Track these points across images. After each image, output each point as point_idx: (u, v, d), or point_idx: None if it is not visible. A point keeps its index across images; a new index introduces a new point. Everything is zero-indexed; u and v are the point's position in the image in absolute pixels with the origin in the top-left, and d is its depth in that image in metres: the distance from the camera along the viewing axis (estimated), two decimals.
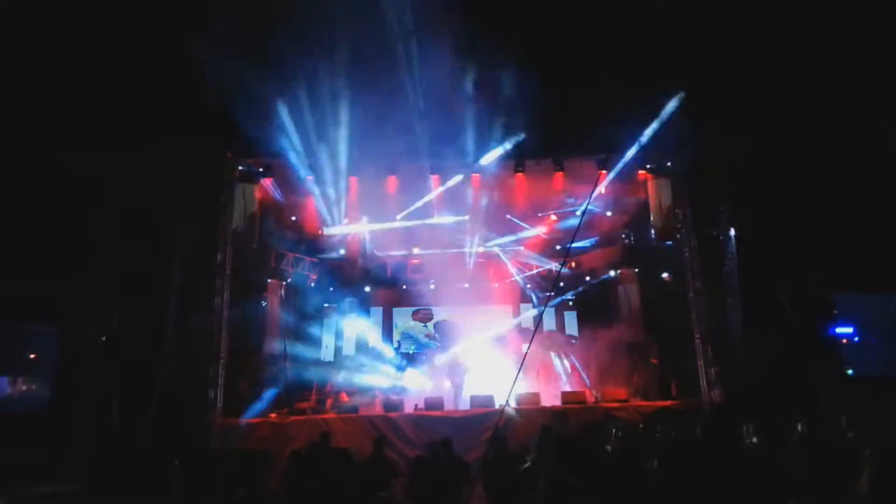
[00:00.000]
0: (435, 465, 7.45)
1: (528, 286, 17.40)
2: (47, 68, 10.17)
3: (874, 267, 11.26)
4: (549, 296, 16.48)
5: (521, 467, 6.17)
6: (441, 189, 13.83)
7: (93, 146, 10.76)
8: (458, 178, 13.33)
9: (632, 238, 15.32)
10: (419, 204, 14.34)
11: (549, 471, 4.77)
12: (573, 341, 16.55)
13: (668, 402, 11.79)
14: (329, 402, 12.78)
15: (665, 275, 13.85)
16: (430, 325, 17.44)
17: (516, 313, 17.59)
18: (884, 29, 9.35)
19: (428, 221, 14.93)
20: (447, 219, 14.89)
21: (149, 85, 10.46)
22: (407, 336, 17.64)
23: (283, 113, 11.63)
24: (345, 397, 13.28)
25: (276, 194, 13.54)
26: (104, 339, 10.58)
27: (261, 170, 12.75)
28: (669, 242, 13.14)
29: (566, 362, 15.53)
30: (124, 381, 10.30)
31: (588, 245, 16.47)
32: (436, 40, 10.86)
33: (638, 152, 12.66)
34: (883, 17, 9.32)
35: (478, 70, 11.35)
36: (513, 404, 11.30)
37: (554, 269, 16.84)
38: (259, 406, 11.35)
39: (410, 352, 17.24)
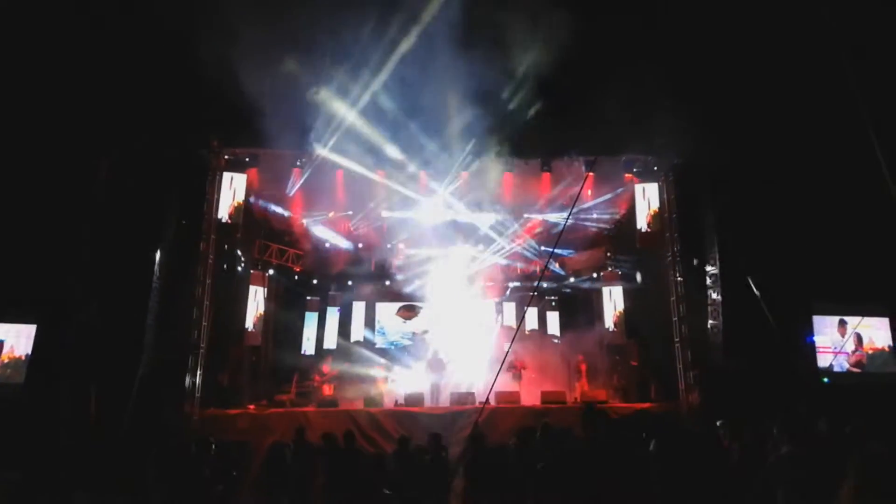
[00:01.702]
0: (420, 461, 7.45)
1: (511, 285, 17.47)
2: (29, 56, 9.99)
3: (854, 278, 11.44)
4: (532, 296, 16.55)
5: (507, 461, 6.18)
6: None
7: (75, 134, 10.58)
8: (447, 176, 13.29)
9: (615, 245, 15.47)
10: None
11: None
12: (555, 341, 16.66)
13: (647, 405, 11.92)
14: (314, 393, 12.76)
15: (648, 279, 13.97)
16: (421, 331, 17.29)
17: (499, 311, 17.65)
18: (873, 38, 9.46)
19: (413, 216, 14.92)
20: (433, 215, 14.88)
21: (133, 70, 10.31)
22: (380, 332, 17.64)
23: (272, 101, 11.49)
24: (327, 390, 13.23)
25: (263, 184, 13.43)
26: (82, 327, 10.41)
27: (247, 159, 12.63)
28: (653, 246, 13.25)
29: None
30: (103, 371, 10.16)
31: (572, 249, 16.58)
32: (429, 36, 10.83)
33: (625, 156, 12.76)
34: (876, 26, 9.44)
35: (468, 68, 11.32)
36: (492, 402, 11.33)
37: (538, 269, 16.94)
38: None
39: (386, 347, 17.25)
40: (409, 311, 16.89)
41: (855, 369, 12.23)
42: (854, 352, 12.25)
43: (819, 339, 12.23)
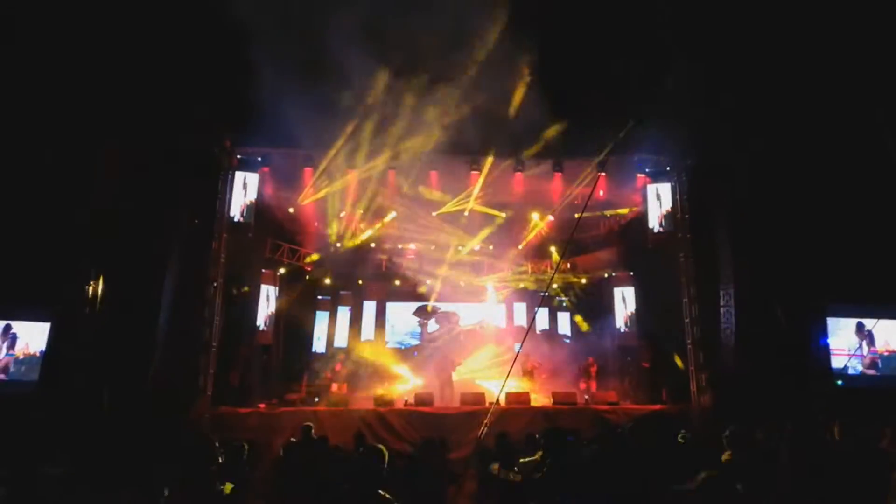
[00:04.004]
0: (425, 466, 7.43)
1: (523, 286, 17.42)
2: (45, 52, 10.07)
3: (869, 279, 11.30)
4: (543, 296, 16.50)
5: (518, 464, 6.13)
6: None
7: (87, 131, 10.66)
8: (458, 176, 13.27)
9: (628, 243, 15.36)
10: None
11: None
12: (566, 341, 16.60)
13: (658, 406, 11.85)
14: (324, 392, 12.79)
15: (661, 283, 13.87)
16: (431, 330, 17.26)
17: (510, 312, 17.62)
18: (885, 36, 9.35)
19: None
20: (444, 215, 14.88)
21: (145, 68, 10.36)
22: (391, 332, 17.65)
23: (285, 101, 11.51)
24: (334, 388, 13.15)
25: (275, 184, 13.49)
26: (95, 325, 10.50)
27: (259, 159, 12.69)
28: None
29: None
30: (115, 369, 10.24)
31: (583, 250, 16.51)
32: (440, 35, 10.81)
33: (637, 156, 12.68)
34: (885, 23, 9.33)
35: (480, 67, 11.29)
36: (503, 403, 11.31)
37: (549, 269, 16.87)
38: None
39: (396, 346, 17.25)
40: (425, 313, 16.85)
41: (869, 371, 12.08)
42: (867, 353, 12.09)
43: (833, 342, 12.08)
